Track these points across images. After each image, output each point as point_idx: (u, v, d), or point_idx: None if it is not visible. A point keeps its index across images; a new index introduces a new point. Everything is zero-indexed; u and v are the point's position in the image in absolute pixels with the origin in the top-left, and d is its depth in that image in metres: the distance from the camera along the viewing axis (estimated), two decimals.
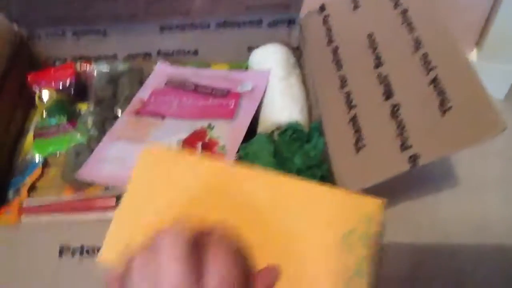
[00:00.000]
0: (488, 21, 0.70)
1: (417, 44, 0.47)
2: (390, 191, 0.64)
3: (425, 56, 0.46)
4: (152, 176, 0.39)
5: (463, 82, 0.42)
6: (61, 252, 0.40)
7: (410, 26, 0.49)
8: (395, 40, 0.50)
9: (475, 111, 0.39)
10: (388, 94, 0.46)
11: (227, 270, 0.27)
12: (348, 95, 0.50)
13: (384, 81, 0.47)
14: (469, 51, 0.74)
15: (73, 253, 0.40)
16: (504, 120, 0.37)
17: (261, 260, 0.32)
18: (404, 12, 0.51)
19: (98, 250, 0.39)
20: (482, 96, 0.39)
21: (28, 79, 0.62)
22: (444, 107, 0.41)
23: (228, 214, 0.35)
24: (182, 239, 0.27)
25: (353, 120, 0.47)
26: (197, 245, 0.27)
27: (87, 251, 0.40)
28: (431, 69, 0.44)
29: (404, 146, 0.41)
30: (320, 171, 0.48)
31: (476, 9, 0.70)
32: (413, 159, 0.40)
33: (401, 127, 0.43)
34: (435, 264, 0.58)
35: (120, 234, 0.37)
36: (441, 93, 0.42)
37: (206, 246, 0.28)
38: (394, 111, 0.44)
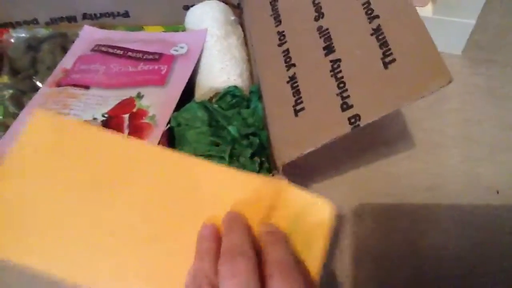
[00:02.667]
0: None
1: None
2: (342, 155, 0.61)
3: (367, 4, 0.41)
4: (39, 142, 0.34)
5: (407, 32, 0.37)
6: None
7: None
8: None
9: (419, 62, 0.35)
10: (328, 49, 0.41)
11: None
12: (286, 53, 0.45)
13: (324, 35, 0.43)
14: (424, 5, 0.69)
15: None
16: (448, 71, 0.32)
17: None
18: None
19: None
20: (427, 47, 0.35)
21: None
22: (386, 59, 0.37)
23: (115, 191, 0.32)
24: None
25: (292, 80, 0.43)
26: None
27: None
28: (373, 18, 0.40)
29: (344, 106, 0.37)
30: (258, 138, 0.44)
31: None
32: (354, 119, 0.36)
33: (341, 85, 0.39)
34: (390, 226, 0.55)
35: None
36: (384, 44, 0.38)
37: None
38: (335, 68, 0.40)
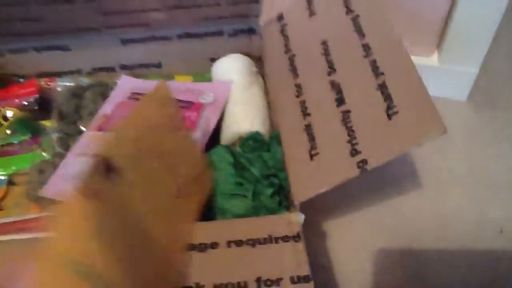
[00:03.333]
0: (446, 25, 0.71)
1: (367, 50, 0.48)
2: (356, 193, 0.65)
3: (374, 62, 0.47)
4: None
5: (408, 87, 0.43)
6: None
7: (360, 33, 0.50)
8: (347, 46, 0.51)
9: (418, 114, 0.40)
10: (339, 101, 0.47)
11: None
12: (303, 103, 0.51)
13: (336, 88, 0.48)
14: (430, 54, 0.75)
15: None
16: (443, 123, 0.38)
17: None
18: (356, 18, 0.52)
19: None
20: (425, 101, 0.41)
21: None
22: (390, 112, 0.42)
23: None
24: None
25: (308, 128, 0.48)
26: None
27: None
28: (379, 75, 0.45)
29: (353, 152, 0.42)
30: (278, 179, 0.49)
31: (435, 13, 0.71)
32: (362, 164, 0.41)
33: (351, 133, 0.44)
34: (400, 267, 0.59)
35: None
36: (387, 98, 0.43)
37: None
38: (345, 118, 0.45)
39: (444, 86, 0.76)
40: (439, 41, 0.74)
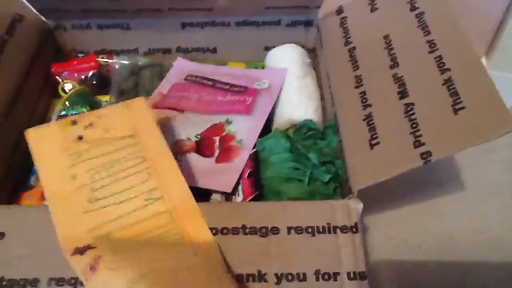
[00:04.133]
0: (497, 31, 0.71)
1: (432, 46, 0.49)
2: (399, 191, 0.66)
3: (439, 58, 0.47)
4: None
5: (475, 83, 0.43)
6: None
7: (425, 29, 0.51)
8: (410, 42, 0.51)
9: (486, 111, 0.41)
10: (402, 94, 0.48)
11: None
12: (363, 94, 0.51)
13: (399, 81, 0.49)
14: None
15: None
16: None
17: None
18: (420, 15, 0.53)
19: None
20: (494, 97, 0.41)
21: (52, 69, 0.64)
22: (456, 107, 0.43)
23: None
24: None
25: (368, 118, 0.49)
26: None
27: None
28: (445, 71, 0.46)
29: (417, 144, 0.43)
30: (334, 167, 0.50)
31: (486, 19, 0.71)
32: (426, 155, 0.42)
33: (414, 125, 0.44)
34: (437, 261, 0.60)
35: None
36: (454, 93, 0.44)
37: None
38: (408, 110, 0.46)
39: None
40: (488, 49, 0.74)
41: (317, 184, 0.49)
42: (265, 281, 0.39)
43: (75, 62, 0.65)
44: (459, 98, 0.43)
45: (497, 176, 0.70)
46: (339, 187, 0.50)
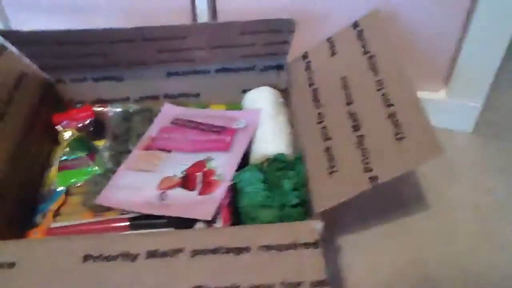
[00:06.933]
0: (453, 63, 0.79)
1: (380, 85, 0.57)
2: (369, 215, 0.72)
3: (385, 95, 0.55)
4: None
5: (413, 116, 0.51)
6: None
7: (375, 70, 0.59)
8: (362, 81, 0.60)
9: (421, 140, 0.48)
10: (356, 127, 0.55)
11: None
12: (324, 129, 0.59)
13: (353, 117, 0.57)
14: (439, 90, 0.83)
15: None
16: (440, 147, 0.46)
17: None
18: (371, 57, 0.61)
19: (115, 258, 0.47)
20: (427, 129, 0.49)
21: (54, 119, 0.72)
22: (398, 136, 0.50)
23: None
24: None
25: (328, 150, 0.56)
26: None
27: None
28: (389, 106, 0.54)
29: (366, 170, 0.50)
30: (302, 193, 0.57)
31: (443, 53, 0.80)
32: (373, 179, 0.49)
33: (365, 154, 0.52)
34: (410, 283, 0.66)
35: None
36: (396, 125, 0.51)
37: None
38: (360, 142, 0.54)
39: (451, 119, 0.84)
40: (447, 78, 0.82)
41: (288, 209, 0.56)
42: None
43: (74, 112, 0.73)
44: (401, 130, 0.51)
45: (461, 194, 0.77)
46: (307, 212, 0.57)
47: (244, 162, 0.64)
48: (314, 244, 0.49)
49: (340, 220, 0.71)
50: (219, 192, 0.59)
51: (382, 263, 0.68)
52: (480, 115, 0.84)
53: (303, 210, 0.56)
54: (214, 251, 0.48)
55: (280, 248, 0.48)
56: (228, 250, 0.48)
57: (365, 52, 0.63)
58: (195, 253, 0.47)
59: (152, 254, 0.46)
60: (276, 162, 0.62)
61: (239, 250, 0.48)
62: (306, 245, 0.48)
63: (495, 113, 0.88)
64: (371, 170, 0.50)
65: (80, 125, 0.72)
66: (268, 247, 0.48)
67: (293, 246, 0.48)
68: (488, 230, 0.71)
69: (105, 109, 0.74)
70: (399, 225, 0.72)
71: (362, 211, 0.74)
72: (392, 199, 0.76)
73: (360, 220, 0.73)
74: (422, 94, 0.81)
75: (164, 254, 0.47)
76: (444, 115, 0.82)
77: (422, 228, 0.72)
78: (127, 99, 0.76)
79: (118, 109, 0.74)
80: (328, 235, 0.69)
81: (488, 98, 0.84)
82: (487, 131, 0.85)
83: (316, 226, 0.50)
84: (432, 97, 0.83)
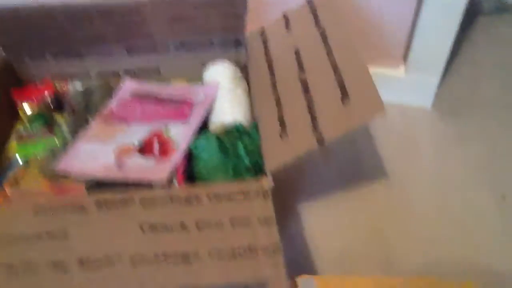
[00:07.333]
0: (410, 38, 0.82)
1: (329, 54, 0.59)
2: (331, 185, 0.75)
3: (333, 63, 0.58)
4: None
5: (359, 80, 0.53)
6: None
7: (325, 41, 0.61)
8: (314, 52, 0.62)
9: (365, 100, 0.51)
10: (306, 93, 0.57)
11: None
12: (277, 98, 0.61)
13: (304, 83, 0.59)
14: (398, 66, 0.86)
15: None
16: (383, 106, 0.48)
17: None
18: (323, 30, 0.63)
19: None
20: (372, 89, 0.51)
21: (14, 95, 0.72)
22: (344, 98, 0.52)
23: None
24: None
25: (280, 117, 0.58)
26: None
27: None
28: (336, 72, 0.56)
29: (314, 130, 0.52)
30: (256, 158, 0.59)
31: (400, 30, 0.82)
32: (320, 140, 0.51)
33: (314, 117, 0.54)
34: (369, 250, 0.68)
35: None
36: (343, 89, 0.54)
37: None
38: (310, 106, 0.56)
39: (410, 95, 0.86)
40: (405, 54, 0.85)
41: (241, 172, 0.58)
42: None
43: (34, 87, 0.74)
44: (346, 91, 0.53)
45: (420, 165, 0.80)
46: (260, 175, 0.58)
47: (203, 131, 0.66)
48: (264, 194, 0.50)
49: (302, 189, 0.74)
50: (175, 158, 0.60)
51: (341, 229, 0.70)
52: (438, 91, 0.87)
53: (257, 173, 0.58)
54: (163, 199, 0.50)
55: (230, 196, 0.50)
56: (179, 199, 0.50)
57: (318, 27, 0.65)
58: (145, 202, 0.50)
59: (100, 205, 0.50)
60: (233, 131, 0.64)
61: (189, 200, 0.50)
62: (256, 193, 0.50)
63: (453, 90, 0.92)
64: (318, 131, 0.52)
65: (40, 100, 0.73)
66: (218, 195, 0.50)
67: (242, 194, 0.50)
68: (443, 199, 0.74)
69: (65, 85, 0.74)
70: (359, 194, 0.75)
71: (323, 181, 0.76)
72: (352, 171, 0.78)
73: (320, 189, 0.75)
74: (382, 71, 0.84)
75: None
76: (403, 91, 0.85)
77: (380, 197, 0.75)
78: (87, 75, 0.77)
79: (79, 85, 0.74)
80: (290, 203, 0.71)
81: (446, 76, 0.87)
82: (445, 107, 0.89)
83: (267, 183, 0.52)
84: (391, 73, 0.86)
